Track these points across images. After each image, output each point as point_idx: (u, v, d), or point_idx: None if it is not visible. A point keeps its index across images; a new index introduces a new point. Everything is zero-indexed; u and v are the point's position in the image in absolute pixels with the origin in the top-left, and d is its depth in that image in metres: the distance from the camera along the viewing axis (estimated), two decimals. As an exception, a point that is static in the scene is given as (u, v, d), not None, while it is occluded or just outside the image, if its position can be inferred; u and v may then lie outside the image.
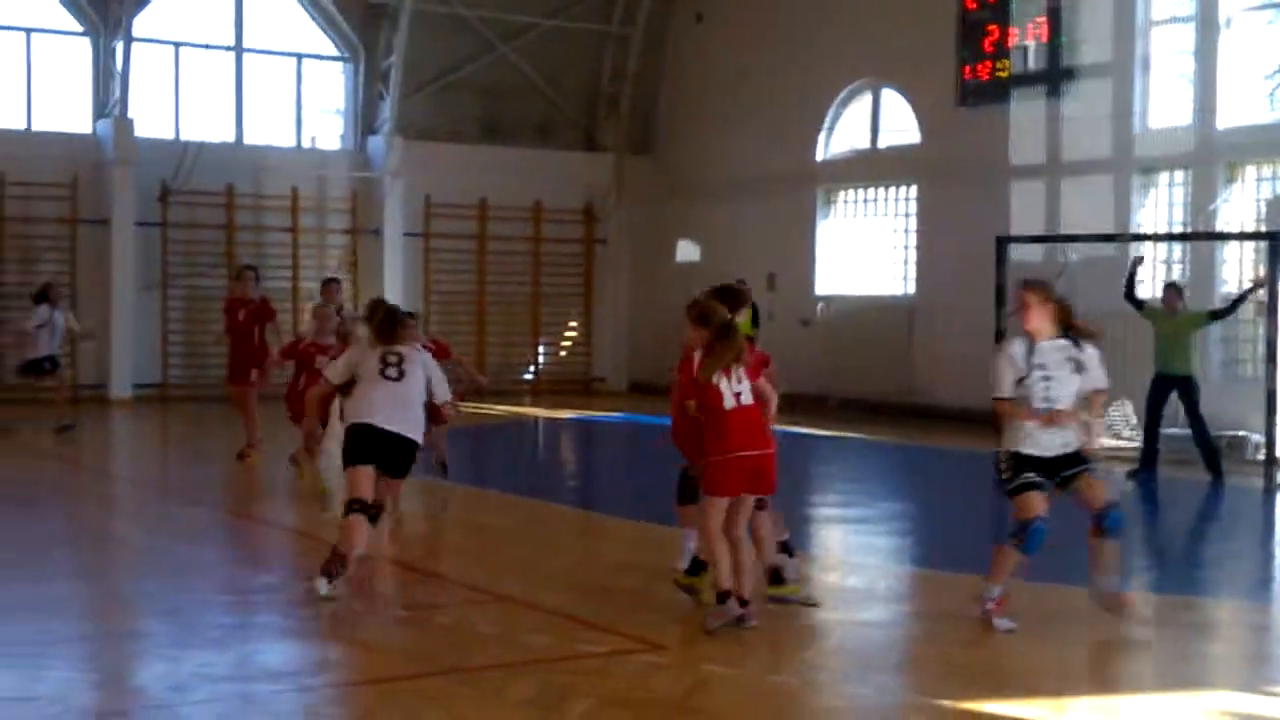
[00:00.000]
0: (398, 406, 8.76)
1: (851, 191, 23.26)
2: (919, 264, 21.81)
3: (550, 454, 15.20)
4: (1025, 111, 19.90)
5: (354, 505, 8.57)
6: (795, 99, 23.23)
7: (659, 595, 9.34)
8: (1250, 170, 17.96)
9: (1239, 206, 17.99)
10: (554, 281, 25.13)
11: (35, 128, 22.43)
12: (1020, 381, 8.30)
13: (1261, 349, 15.72)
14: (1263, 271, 16.09)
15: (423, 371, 9.00)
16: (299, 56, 24.84)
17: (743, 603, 8.07)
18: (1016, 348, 8.39)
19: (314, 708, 6.79)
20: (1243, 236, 17.45)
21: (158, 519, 12.46)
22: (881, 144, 22.91)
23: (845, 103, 23.21)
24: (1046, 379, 8.29)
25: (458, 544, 10.14)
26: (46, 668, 7.22)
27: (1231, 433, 16.87)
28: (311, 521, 12.04)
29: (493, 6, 24.55)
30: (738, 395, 8.12)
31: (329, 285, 14.97)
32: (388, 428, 8.65)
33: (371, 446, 8.67)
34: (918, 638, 8.71)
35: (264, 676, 7.22)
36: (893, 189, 22.55)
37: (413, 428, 8.79)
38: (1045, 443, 8.33)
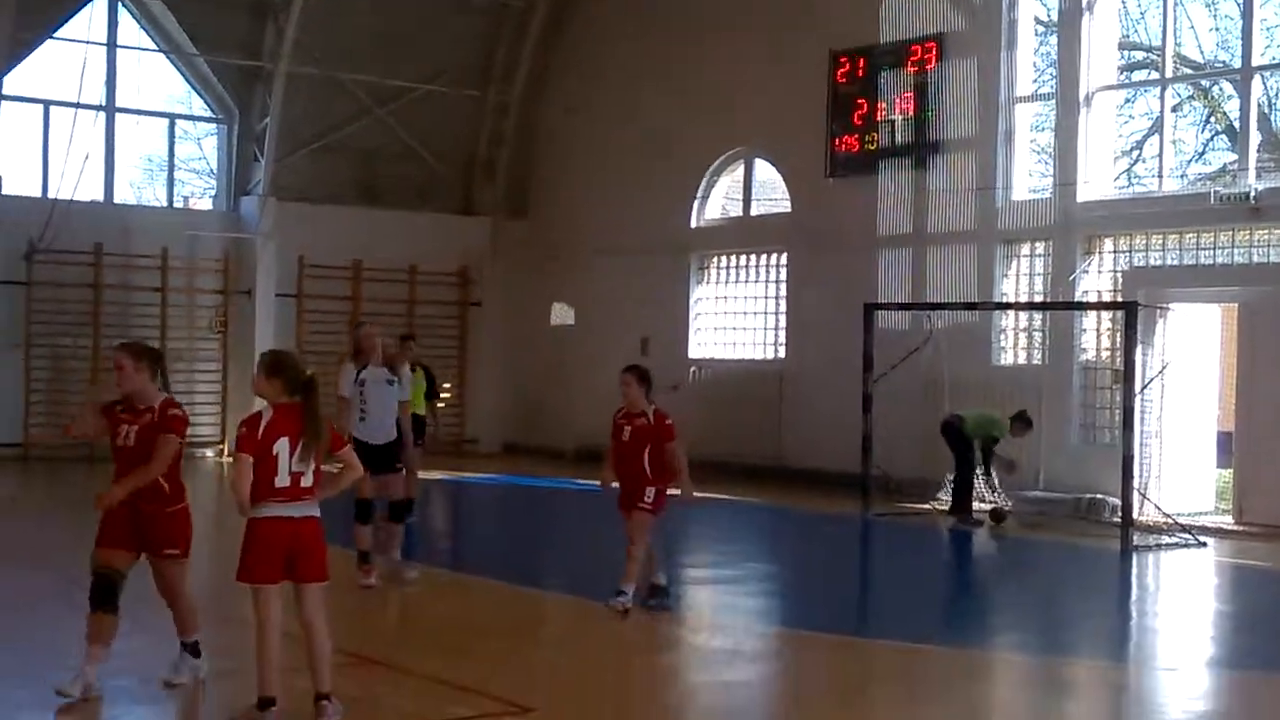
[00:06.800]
0: None
1: (724, 258, 23.55)
2: (789, 329, 22.10)
3: (419, 515, 15.09)
4: (893, 183, 20.35)
5: None
6: (670, 166, 23.49)
7: (527, 656, 9.35)
8: (1108, 242, 18.51)
9: (1097, 277, 18.53)
10: (429, 343, 24.97)
11: (-104, 183, 21.96)
12: None
13: (1118, 416, 16.16)
14: (1120, 340, 16.57)
15: None
16: (172, 117, 24.63)
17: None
18: None
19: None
20: (1100, 306, 17.96)
21: (12, 581, 12.13)
22: (754, 211, 23.29)
23: (719, 171, 23.54)
24: None
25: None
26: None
27: (1090, 495, 17.31)
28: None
29: (368, 70, 24.54)
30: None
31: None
32: None
33: None
34: (782, 697, 8.80)
35: (121, 742, 7.07)
36: (764, 256, 22.87)
37: None
38: None
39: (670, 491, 10.68)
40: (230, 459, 21.81)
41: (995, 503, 17.15)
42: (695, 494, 10.85)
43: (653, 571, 10.67)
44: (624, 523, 10.64)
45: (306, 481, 7.22)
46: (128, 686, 8.09)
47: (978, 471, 16.96)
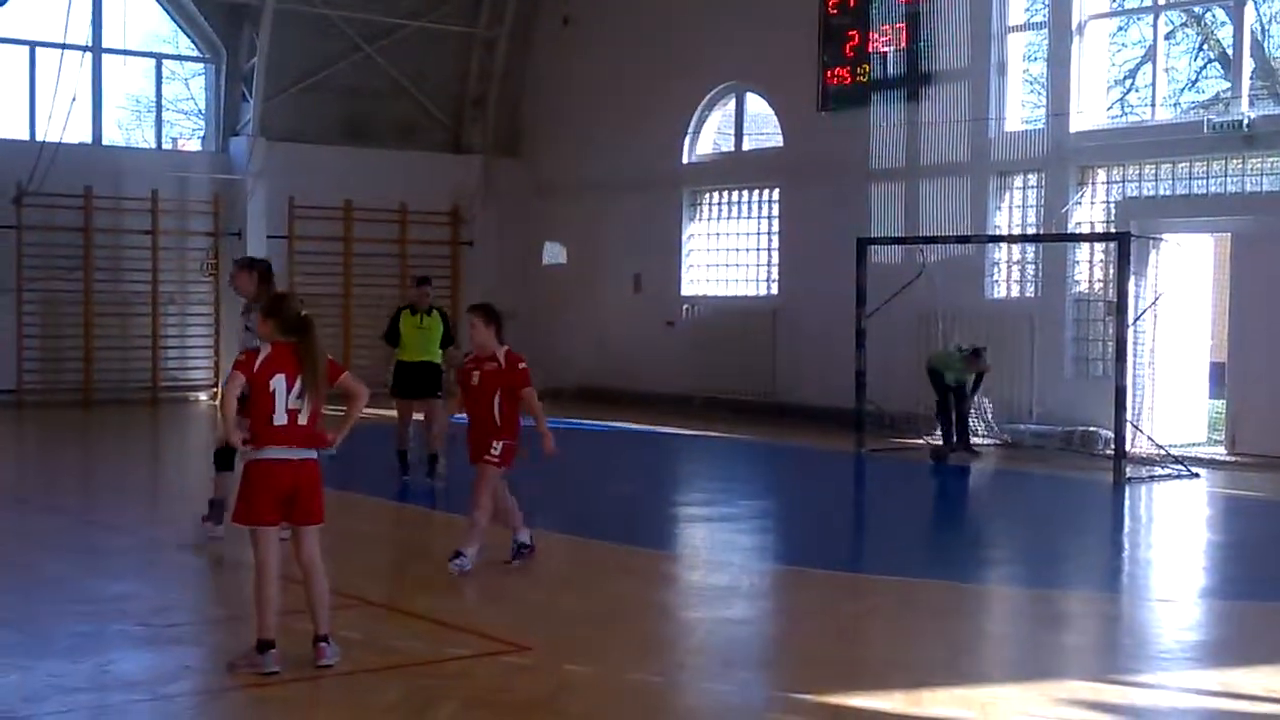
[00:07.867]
0: None
1: (716, 194, 23.46)
2: (782, 265, 22.06)
3: (416, 457, 15.11)
4: (885, 115, 20.23)
5: None
6: (661, 102, 23.37)
7: (523, 597, 9.38)
8: (1101, 173, 18.45)
9: (1090, 208, 18.48)
10: (421, 284, 24.97)
11: (-118, 127, 21.83)
12: None
13: (1111, 348, 16.17)
14: (1112, 272, 16.56)
15: None
16: (159, 57, 24.42)
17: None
18: None
19: (173, 717, 6.73)
20: (1093, 238, 17.94)
21: (11, 528, 12.18)
22: (746, 147, 23.18)
23: (710, 106, 23.41)
24: None
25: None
26: (-108, 681, 7.02)
27: (1083, 428, 17.36)
28: (178, 530, 11.88)
29: (357, 7, 24.33)
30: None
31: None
32: None
33: None
34: (780, 634, 8.84)
35: (119, 686, 7.11)
36: (757, 191, 22.78)
37: None
38: None
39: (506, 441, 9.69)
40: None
41: (973, 435, 17.21)
42: (553, 446, 9.69)
43: (516, 527, 10.04)
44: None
45: (303, 420, 7.26)
46: (124, 631, 8.13)
47: (972, 405, 17.03)
